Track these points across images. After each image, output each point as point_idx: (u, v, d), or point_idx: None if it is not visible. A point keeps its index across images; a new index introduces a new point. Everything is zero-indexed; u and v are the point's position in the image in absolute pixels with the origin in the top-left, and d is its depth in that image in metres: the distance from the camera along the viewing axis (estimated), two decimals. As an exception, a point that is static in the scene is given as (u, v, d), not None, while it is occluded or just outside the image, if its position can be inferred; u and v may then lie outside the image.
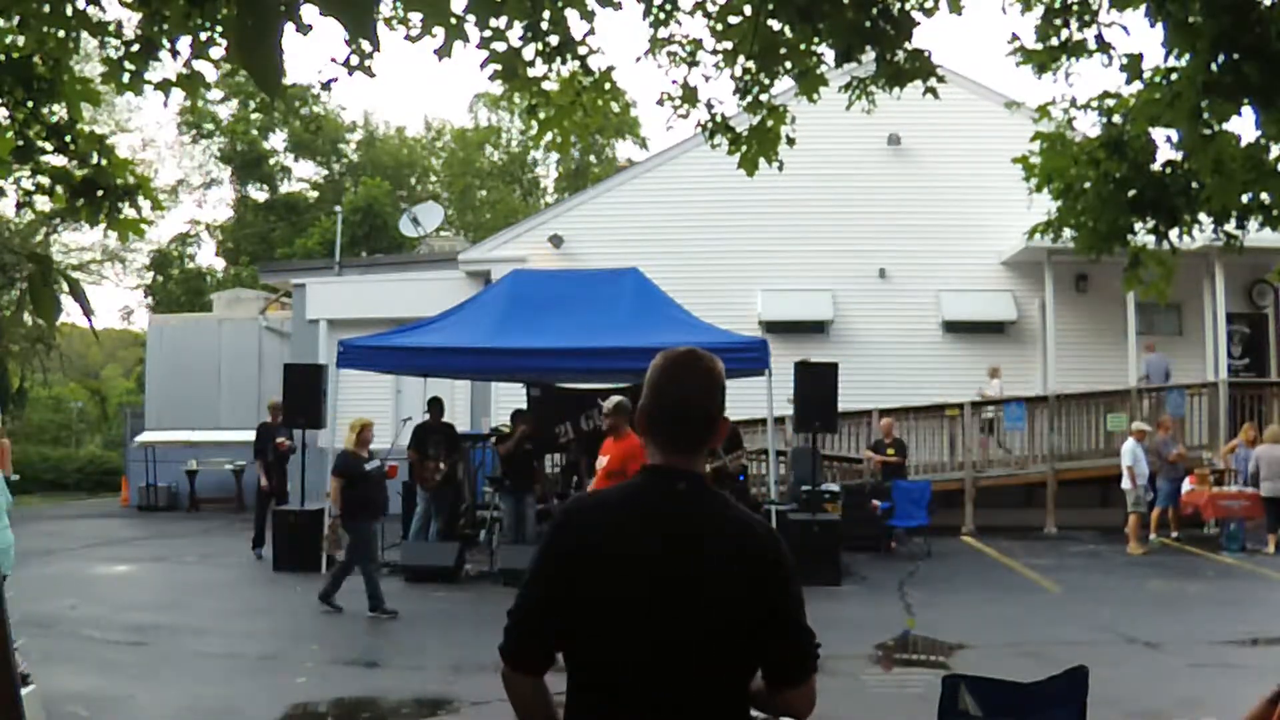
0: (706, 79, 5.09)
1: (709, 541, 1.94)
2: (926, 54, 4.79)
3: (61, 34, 3.95)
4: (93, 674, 6.82)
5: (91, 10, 3.89)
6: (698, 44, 5.01)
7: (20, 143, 4.17)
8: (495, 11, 4.11)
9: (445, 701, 6.44)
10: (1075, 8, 4.91)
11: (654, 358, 2.09)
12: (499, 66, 4.32)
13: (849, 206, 16.61)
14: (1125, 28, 4.84)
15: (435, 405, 12.08)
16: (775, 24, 4.67)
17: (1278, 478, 12.50)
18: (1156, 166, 5.17)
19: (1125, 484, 12.99)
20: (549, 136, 4.95)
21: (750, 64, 4.87)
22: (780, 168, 5.17)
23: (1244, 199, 4.92)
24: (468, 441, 13.11)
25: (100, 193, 4.37)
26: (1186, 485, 13.65)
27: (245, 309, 21.60)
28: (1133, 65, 4.83)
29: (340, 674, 7.06)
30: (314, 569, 10.89)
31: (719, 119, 5.18)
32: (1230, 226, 5.12)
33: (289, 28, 2.43)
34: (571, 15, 4.38)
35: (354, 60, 4.04)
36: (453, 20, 3.76)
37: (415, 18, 4.07)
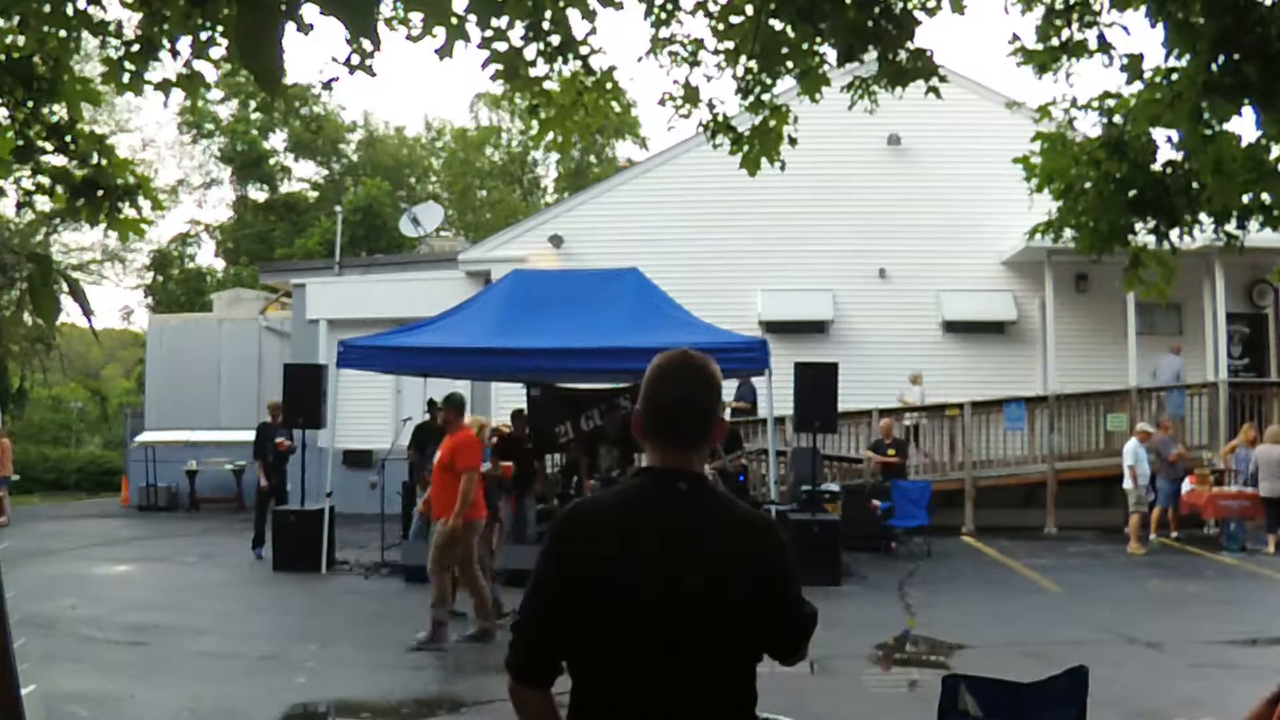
0: (708, 79, 5.09)
1: (710, 540, 1.94)
2: (928, 54, 4.79)
3: (61, 34, 3.95)
4: (93, 674, 6.82)
5: (91, 10, 3.89)
6: (699, 44, 5.01)
7: (20, 143, 4.17)
8: (496, 11, 4.11)
9: (445, 701, 6.44)
10: (1076, 8, 4.91)
11: (652, 359, 2.11)
12: (500, 66, 4.32)
13: (849, 206, 16.60)
14: (1126, 28, 4.86)
15: (434, 407, 12.05)
16: (777, 24, 4.67)
17: (1277, 478, 12.51)
18: (1157, 166, 5.17)
19: (1127, 483, 12.99)
20: (550, 136, 4.95)
21: (752, 64, 4.87)
22: (783, 167, 5.17)
23: (1244, 199, 4.92)
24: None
25: (100, 193, 4.38)
26: (1186, 485, 13.65)
27: (245, 309, 21.60)
28: (1133, 65, 4.83)
29: (340, 674, 7.06)
30: (314, 569, 10.90)
31: (721, 119, 5.18)
32: (1230, 226, 5.12)
33: (289, 27, 2.43)
34: (573, 15, 4.38)
35: (354, 60, 4.03)
36: (454, 20, 3.76)
37: (416, 17, 4.06)
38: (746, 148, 5.16)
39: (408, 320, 13.18)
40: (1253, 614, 9.19)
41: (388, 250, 27.11)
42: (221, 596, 9.97)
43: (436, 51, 3.81)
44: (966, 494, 15.12)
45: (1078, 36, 4.95)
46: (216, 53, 3.87)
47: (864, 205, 16.61)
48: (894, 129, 16.43)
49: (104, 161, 4.41)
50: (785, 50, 4.76)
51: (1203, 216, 5.17)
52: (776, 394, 10.94)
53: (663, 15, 4.93)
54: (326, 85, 4.45)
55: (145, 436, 19.09)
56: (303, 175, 39.06)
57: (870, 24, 4.51)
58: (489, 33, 4.19)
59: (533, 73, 4.51)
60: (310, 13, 2.46)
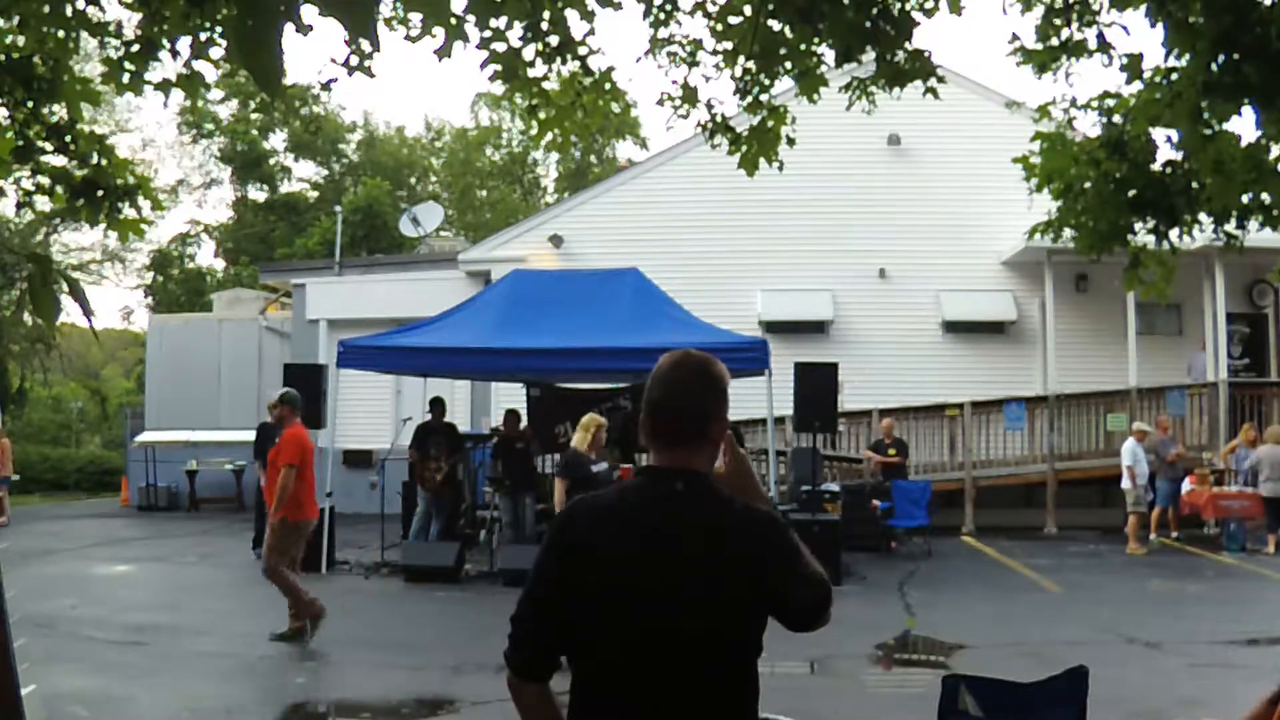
0: (707, 79, 5.08)
1: (707, 539, 1.94)
2: (927, 54, 4.78)
3: (61, 34, 3.95)
4: (93, 674, 6.82)
5: (91, 10, 3.89)
6: (698, 44, 5.00)
7: (20, 143, 4.17)
8: (495, 12, 4.10)
9: (445, 701, 6.44)
10: (1076, 8, 4.91)
11: (654, 358, 2.12)
12: (499, 67, 4.32)
13: (849, 206, 16.60)
14: (1125, 28, 4.84)
15: (437, 405, 12.08)
16: (775, 24, 4.67)
17: (1278, 478, 12.51)
18: (1157, 166, 5.17)
19: (1125, 484, 12.99)
20: (549, 137, 4.94)
21: (750, 64, 4.87)
22: (781, 168, 5.17)
23: (1244, 199, 4.92)
24: (469, 442, 13.11)
25: (100, 193, 4.37)
26: (1186, 485, 13.65)
27: (245, 309, 21.60)
28: (1133, 65, 4.83)
29: (340, 674, 7.06)
30: (314, 569, 10.89)
31: (719, 119, 5.18)
32: (1230, 226, 5.11)
33: (289, 28, 2.43)
34: (572, 15, 4.38)
35: (354, 60, 4.03)
36: (453, 20, 3.76)
37: (415, 18, 4.06)
38: (745, 148, 5.16)
39: (408, 320, 13.19)
40: (1253, 614, 9.19)
41: (388, 250, 27.11)
42: (221, 596, 9.97)
43: (436, 52, 3.81)
44: (966, 494, 15.12)
45: (1077, 36, 4.94)
46: (216, 53, 3.87)
47: (864, 205, 16.62)
48: (894, 129, 16.43)
49: (104, 161, 4.41)
50: (784, 51, 4.76)
51: (1203, 216, 5.17)
52: (776, 394, 10.94)
53: (661, 15, 4.93)
54: (326, 86, 4.44)
55: (145, 436, 19.09)
56: (303, 175, 39.12)
57: (868, 24, 4.51)
58: (488, 33, 4.19)
59: (531, 73, 4.51)
60: (310, 13, 2.46)
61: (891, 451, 13.80)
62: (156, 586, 10.71)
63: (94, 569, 11.78)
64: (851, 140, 15.41)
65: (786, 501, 12.12)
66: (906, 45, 4.68)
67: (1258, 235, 5.37)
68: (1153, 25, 4.30)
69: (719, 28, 4.86)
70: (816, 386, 11.15)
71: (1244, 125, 4.68)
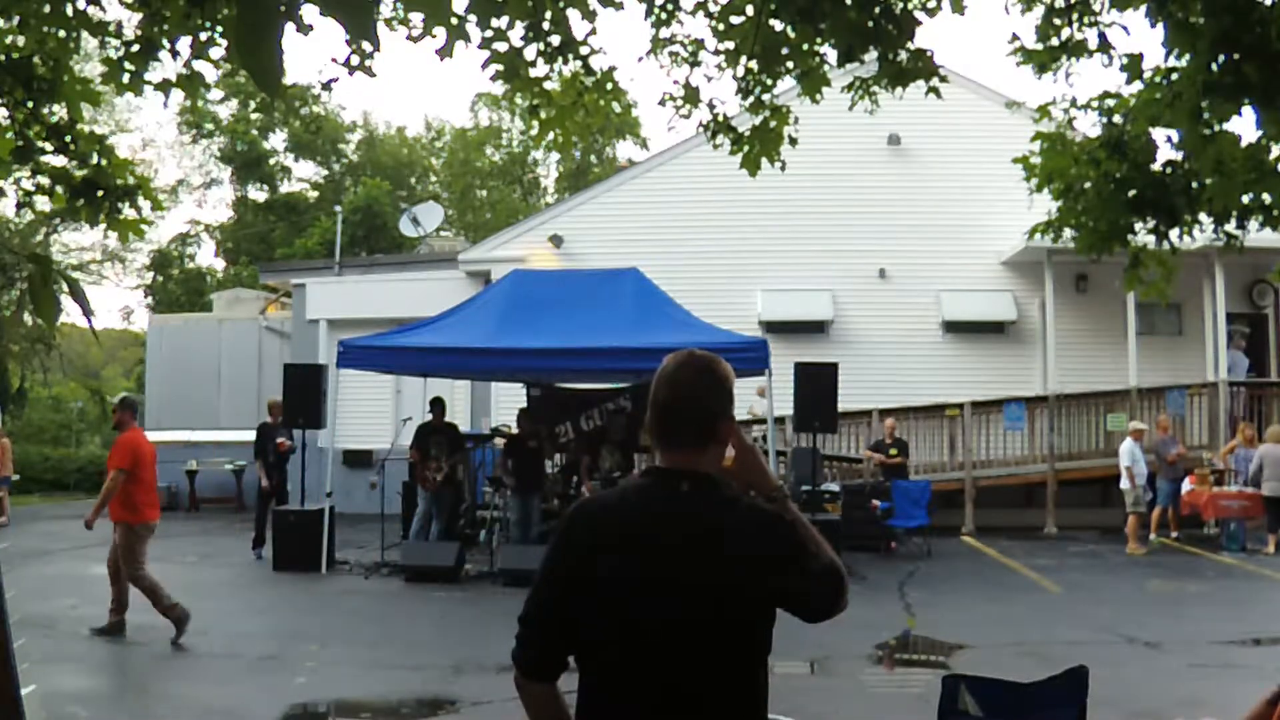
0: (708, 79, 5.09)
1: (712, 540, 1.94)
2: (928, 54, 4.79)
3: (61, 34, 3.96)
4: (93, 674, 6.82)
5: (91, 10, 3.89)
6: (700, 44, 5.01)
7: (20, 143, 4.17)
8: (496, 11, 4.11)
9: (445, 701, 6.44)
10: (1076, 8, 4.91)
11: (654, 358, 2.11)
12: (500, 67, 4.32)
13: (849, 206, 16.60)
14: (1125, 28, 4.85)
15: (438, 405, 12.07)
16: (777, 24, 4.67)
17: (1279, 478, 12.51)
18: (1157, 166, 5.17)
19: (1124, 484, 12.99)
20: (550, 136, 4.95)
21: (752, 64, 4.87)
22: (783, 168, 5.17)
23: (1244, 199, 4.92)
24: (470, 442, 13.11)
25: (100, 193, 4.38)
26: (1186, 485, 13.65)
27: (245, 309, 21.60)
28: (1133, 65, 4.83)
29: (340, 674, 7.06)
30: (314, 569, 10.90)
31: (721, 119, 5.18)
32: (1230, 226, 5.12)
33: (289, 28, 2.42)
34: (573, 15, 4.38)
35: (354, 60, 4.04)
36: (454, 20, 3.76)
37: (416, 18, 4.07)
38: (747, 148, 5.16)
39: (408, 320, 13.18)
40: (1253, 614, 9.19)
41: (388, 250, 27.11)
42: (221, 596, 9.98)
43: (437, 52, 3.82)
44: (966, 494, 15.11)
45: (1078, 36, 4.95)
46: (216, 53, 3.87)
47: (864, 205, 16.61)
48: (894, 129, 16.43)
49: (104, 162, 4.41)
50: (785, 51, 4.76)
51: (1203, 216, 5.18)
52: (777, 394, 10.93)
53: (663, 15, 4.93)
54: (326, 86, 4.45)
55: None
56: (303, 175, 39.09)
57: (870, 24, 4.51)
58: (489, 33, 4.19)
59: (533, 73, 4.51)
60: (310, 13, 2.47)
61: (893, 451, 13.80)
62: (156, 586, 10.69)
63: (94, 569, 11.73)
64: (852, 140, 15.42)
65: (786, 501, 12.10)
66: (908, 45, 4.69)
67: (1258, 235, 5.38)
68: (1153, 25, 4.30)
69: (721, 27, 4.86)
70: (816, 386, 11.14)
71: (1244, 125, 4.70)
